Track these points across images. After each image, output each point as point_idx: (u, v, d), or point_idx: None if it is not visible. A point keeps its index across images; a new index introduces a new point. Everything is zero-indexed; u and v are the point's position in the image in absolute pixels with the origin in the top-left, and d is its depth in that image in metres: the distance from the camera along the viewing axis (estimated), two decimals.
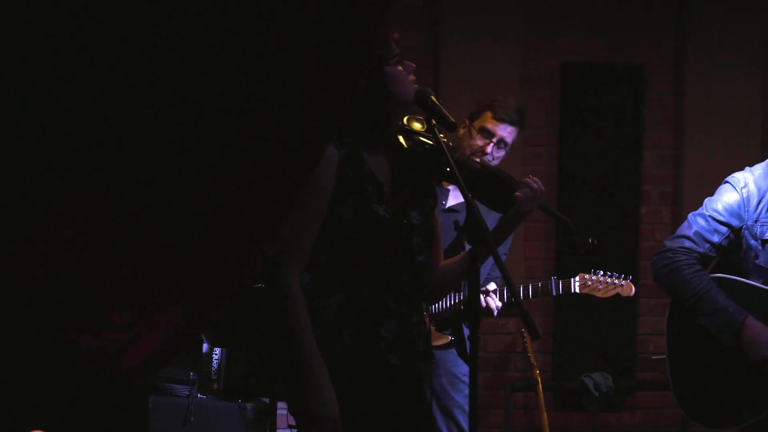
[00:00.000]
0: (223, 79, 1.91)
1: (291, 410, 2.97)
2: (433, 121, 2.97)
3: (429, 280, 3.18)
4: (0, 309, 2.26)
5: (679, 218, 5.67)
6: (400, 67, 3.02)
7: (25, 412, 2.50)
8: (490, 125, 4.63)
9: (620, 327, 6.35)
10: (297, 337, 2.85)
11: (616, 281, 4.83)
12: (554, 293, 4.75)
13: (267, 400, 4.94)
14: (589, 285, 4.77)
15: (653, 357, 6.13)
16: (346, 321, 2.96)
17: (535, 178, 3.11)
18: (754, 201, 3.79)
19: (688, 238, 3.84)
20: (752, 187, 3.80)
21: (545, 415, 5.21)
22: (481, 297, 4.52)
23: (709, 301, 3.73)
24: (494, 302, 4.56)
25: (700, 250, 3.82)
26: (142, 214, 2.05)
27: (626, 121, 6.41)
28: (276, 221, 2.34)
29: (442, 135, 2.97)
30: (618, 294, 4.84)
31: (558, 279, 4.77)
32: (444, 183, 4.64)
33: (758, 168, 3.86)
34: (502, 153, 4.65)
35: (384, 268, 3.00)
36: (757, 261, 3.77)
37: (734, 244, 3.83)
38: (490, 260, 4.19)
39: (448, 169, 2.94)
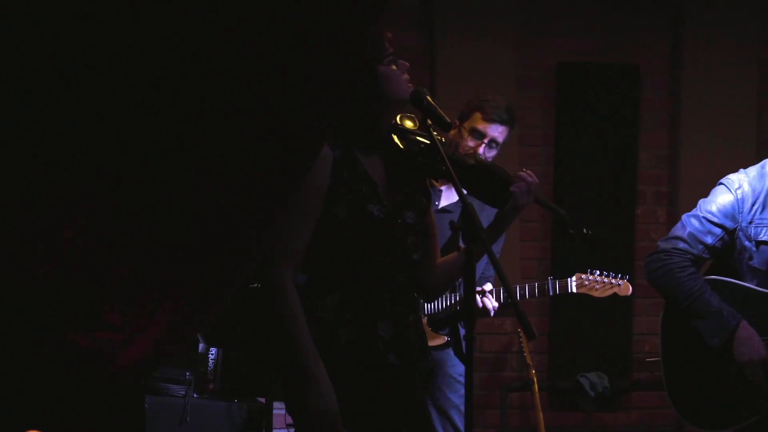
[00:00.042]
0: (217, 80, 1.91)
1: (289, 410, 2.97)
2: (429, 122, 2.97)
3: (427, 278, 3.19)
4: None
5: (675, 218, 5.67)
6: (394, 67, 3.03)
7: (21, 412, 2.50)
8: (481, 126, 4.63)
9: (616, 327, 6.36)
10: (293, 334, 2.86)
11: (613, 281, 4.83)
12: (551, 293, 4.75)
13: (263, 400, 4.94)
14: (586, 285, 4.78)
15: (647, 359, 6.14)
16: (342, 321, 2.96)
17: (529, 172, 3.13)
18: (748, 202, 3.79)
19: (681, 239, 3.84)
20: (747, 188, 3.80)
21: (541, 415, 5.21)
22: (478, 298, 4.52)
23: (703, 303, 3.74)
24: (491, 303, 4.56)
25: (694, 251, 3.82)
26: (139, 214, 2.05)
27: (622, 121, 6.42)
28: (272, 221, 2.34)
29: (436, 132, 2.98)
30: (615, 294, 4.84)
31: (555, 279, 4.78)
32: (436, 183, 4.64)
33: (753, 170, 3.86)
34: (494, 152, 4.65)
35: (379, 268, 3.01)
36: (751, 262, 3.77)
37: (728, 246, 3.83)
38: (484, 258, 4.20)
39: (443, 168, 2.95)
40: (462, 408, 4.47)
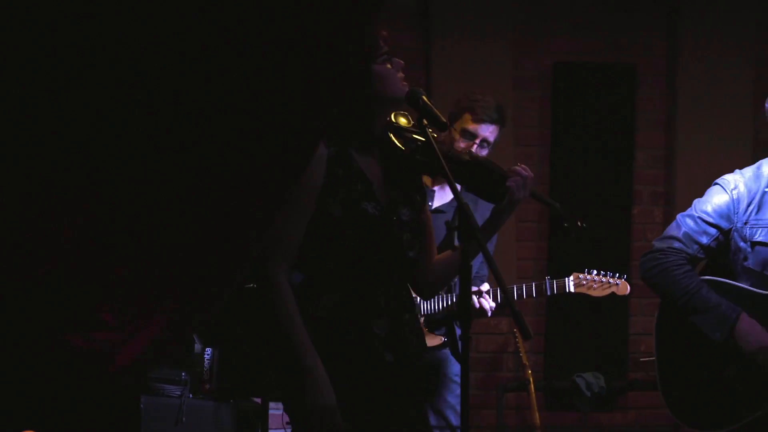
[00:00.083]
0: (214, 79, 1.91)
1: (287, 409, 2.97)
2: (425, 121, 2.98)
3: (423, 275, 3.19)
4: None
5: (671, 218, 5.65)
6: (388, 65, 3.03)
7: (16, 412, 2.49)
8: (472, 127, 4.62)
9: (612, 327, 6.36)
10: (289, 331, 2.86)
11: (611, 280, 4.83)
12: (548, 293, 4.75)
13: (259, 400, 4.94)
14: (584, 284, 4.78)
15: (641, 359, 6.14)
16: (339, 319, 2.96)
17: (524, 166, 3.15)
18: (743, 203, 3.79)
19: (676, 239, 3.83)
20: (742, 188, 3.80)
21: (537, 415, 5.21)
22: (474, 298, 4.52)
23: (702, 298, 3.72)
24: (488, 303, 4.55)
25: (689, 251, 3.82)
26: (138, 214, 2.04)
27: (618, 121, 6.42)
28: (267, 220, 2.34)
29: (430, 130, 2.98)
30: (613, 293, 4.84)
31: (552, 279, 4.77)
32: (428, 183, 4.63)
33: (748, 170, 3.86)
34: (485, 152, 4.64)
35: (374, 266, 3.01)
36: (746, 263, 3.77)
37: (722, 246, 3.82)
38: (479, 257, 4.20)
39: (440, 165, 2.96)
40: (458, 408, 4.47)
